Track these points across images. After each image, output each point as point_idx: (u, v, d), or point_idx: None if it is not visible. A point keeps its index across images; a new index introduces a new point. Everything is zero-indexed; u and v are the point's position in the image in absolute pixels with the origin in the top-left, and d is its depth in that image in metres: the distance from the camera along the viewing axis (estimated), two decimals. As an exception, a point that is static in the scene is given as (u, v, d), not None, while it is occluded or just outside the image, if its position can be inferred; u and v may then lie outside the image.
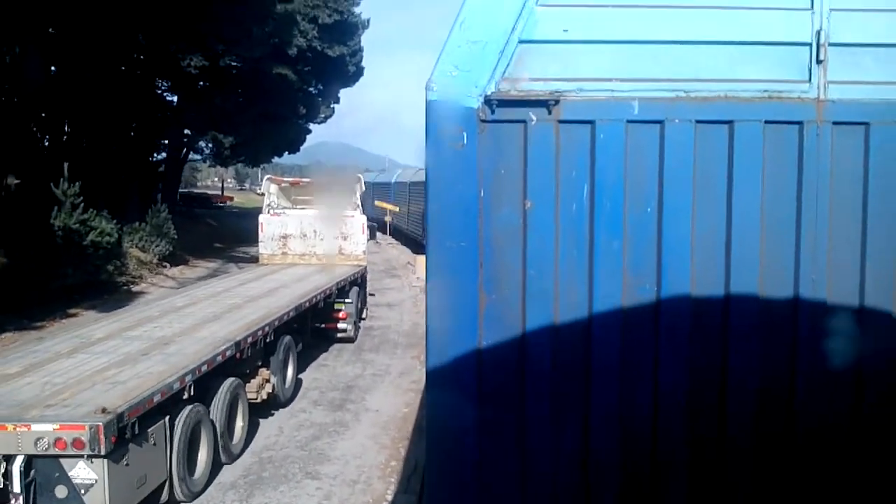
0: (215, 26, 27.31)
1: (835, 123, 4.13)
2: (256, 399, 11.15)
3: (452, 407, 4.19)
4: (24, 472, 6.99)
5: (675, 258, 4.11)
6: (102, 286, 23.16)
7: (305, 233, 20.25)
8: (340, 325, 17.30)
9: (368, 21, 45.04)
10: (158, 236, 29.18)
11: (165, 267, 29.21)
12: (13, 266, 20.06)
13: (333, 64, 42.14)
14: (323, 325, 16.82)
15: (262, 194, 21.22)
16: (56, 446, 6.93)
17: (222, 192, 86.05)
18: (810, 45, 4.15)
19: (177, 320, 12.04)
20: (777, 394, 4.19)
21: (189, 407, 8.81)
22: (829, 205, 4.12)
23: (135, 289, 24.88)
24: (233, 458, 10.17)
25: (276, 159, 66.75)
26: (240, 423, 10.51)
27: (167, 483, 8.39)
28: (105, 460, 7.07)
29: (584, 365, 4.16)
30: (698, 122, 4.11)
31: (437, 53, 4.17)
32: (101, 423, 6.94)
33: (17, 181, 23.14)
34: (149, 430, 7.89)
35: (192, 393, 8.89)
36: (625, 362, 4.16)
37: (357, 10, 43.34)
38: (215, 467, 9.65)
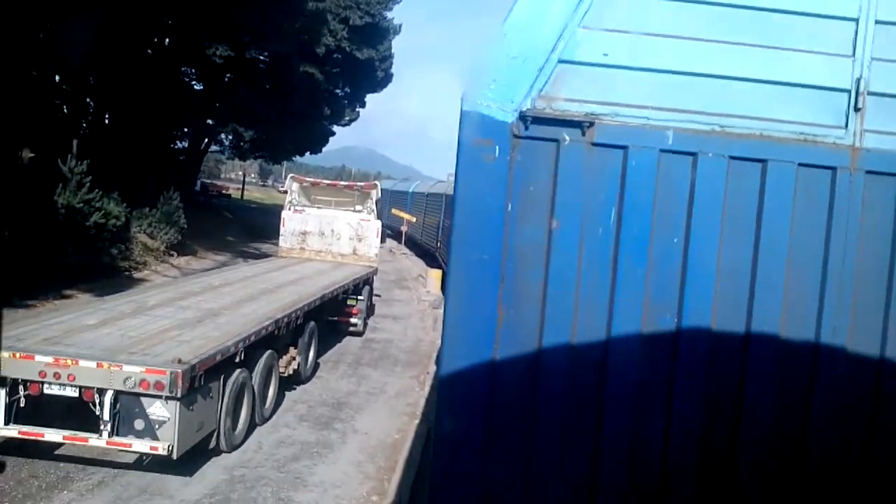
0: (244, 15, 27.33)
1: (868, 172, 4.12)
2: (285, 373, 12.52)
3: (461, 419, 4.16)
4: (112, 405, 8.35)
5: (698, 290, 4.09)
6: (103, 269, 22.75)
7: (323, 231, 21.42)
8: (353, 320, 18.47)
9: (400, 27, 45.30)
10: (168, 224, 29.00)
11: (172, 256, 28.95)
12: (12, 240, 19.87)
13: (362, 67, 42.35)
14: (336, 319, 17.76)
15: (285, 192, 22.22)
16: (140, 386, 8.25)
17: (243, 186, 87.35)
18: (849, 91, 4.15)
19: (218, 297, 13.55)
20: (791, 433, 4.16)
21: (238, 370, 10.11)
22: (857, 253, 4.10)
23: (136, 275, 24.34)
24: (263, 421, 11.41)
25: (299, 159, 67.27)
26: (271, 392, 11.81)
27: (215, 433, 9.65)
28: (178, 403, 8.36)
29: (598, 389, 4.13)
30: (732, 157, 4.10)
31: (469, 69, 4.17)
32: (179, 371, 8.26)
33: (31, 155, 23.12)
34: (210, 384, 9.19)
35: (241, 358, 10.16)
36: (640, 390, 4.13)
37: (389, 14, 43.57)
38: (251, 427, 10.86)
